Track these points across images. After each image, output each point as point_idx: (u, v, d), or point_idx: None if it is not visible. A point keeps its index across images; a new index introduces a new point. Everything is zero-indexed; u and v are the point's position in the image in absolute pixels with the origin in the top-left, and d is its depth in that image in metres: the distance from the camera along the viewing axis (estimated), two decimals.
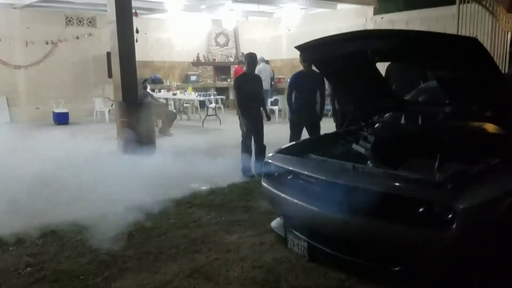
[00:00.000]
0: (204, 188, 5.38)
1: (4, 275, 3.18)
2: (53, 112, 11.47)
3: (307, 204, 3.22)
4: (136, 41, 7.99)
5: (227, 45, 16.09)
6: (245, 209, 4.56)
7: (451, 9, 9.00)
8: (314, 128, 5.83)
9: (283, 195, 3.48)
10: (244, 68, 6.44)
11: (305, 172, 3.36)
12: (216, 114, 11.59)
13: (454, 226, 2.62)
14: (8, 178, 5.22)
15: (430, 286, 2.83)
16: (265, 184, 3.75)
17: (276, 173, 3.68)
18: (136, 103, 7.69)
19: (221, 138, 9.37)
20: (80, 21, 13.00)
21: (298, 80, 5.91)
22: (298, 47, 3.83)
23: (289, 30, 13.97)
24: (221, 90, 15.08)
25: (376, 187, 2.94)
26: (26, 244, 3.70)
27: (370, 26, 11.99)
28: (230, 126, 11.20)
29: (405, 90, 4.41)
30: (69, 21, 12.83)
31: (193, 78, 15.18)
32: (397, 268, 2.89)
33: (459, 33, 8.12)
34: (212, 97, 11.74)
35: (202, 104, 12.19)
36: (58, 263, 3.34)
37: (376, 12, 11.92)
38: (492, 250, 2.65)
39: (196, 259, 3.36)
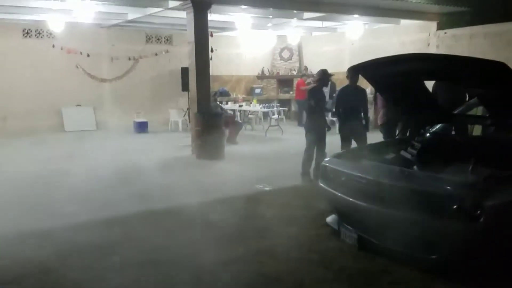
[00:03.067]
0: (267, 189, 6.07)
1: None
2: (134, 122, 12.76)
3: (358, 201, 3.82)
4: (211, 59, 8.94)
5: (290, 59, 16.84)
6: (304, 208, 5.18)
7: None
8: (361, 138, 6.34)
9: (337, 193, 4.09)
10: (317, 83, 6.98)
11: (357, 174, 3.95)
12: (278, 125, 12.30)
13: (481, 220, 3.10)
14: (111, 176, 6.21)
15: (462, 272, 3.30)
16: (322, 185, 4.37)
17: (332, 175, 4.29)
18: (209, 114, 8.60)
19: (282, 146, 10.06)
20: (158, 39, 14.38)
21: (344, 94, 6.50)
22: (353, 67, 4.44)
23: (352, 44, 14.43)
24: (283, 102, 15.85)
25: (418, 186, 3.47)
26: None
27: (433, 41, 12.21)
28: (291, 136, 11.89)
29: (451, 104, 4.85)
30: (149, 39, 14.23)
31: (257, 90, 16.07)
32: (434, 256, 3.40)
33: None
34: (275, 108, 12.48)
35: (266, 115, 13.00)
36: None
37: (439, 27, 12.11)
38: None
39: (261, 242, 4.04)
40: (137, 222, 4.67)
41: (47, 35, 12.48)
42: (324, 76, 6.75)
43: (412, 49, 12.32)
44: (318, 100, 6.61)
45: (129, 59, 13.78)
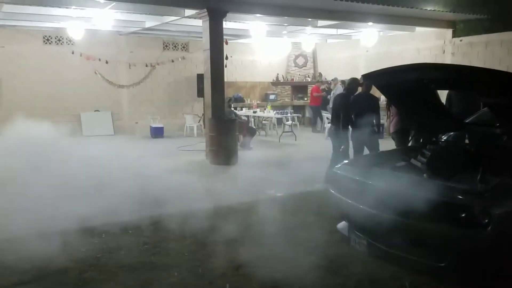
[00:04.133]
0: (279, 194, 6.14)
1: (128, 249, 4.18)
2: (150, 127, 12.97)
3: (368, 208, 3.86)
4: (226, 66, 9.08)
5: (305, 66, 16.94)
6: (315, 214, 5.23)
7: None
8: (373, 145, 6.38)
9: (347, 200, 4.14)
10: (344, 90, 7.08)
11: (367, 181, 4.00)
12: (292, 131, 12.38)
13: (489, 228, 3.13)
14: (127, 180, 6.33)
15: (471, 281, 3.33)
16: (333, 191, 4.43)
17: (342, 182, 4.35)
18: (223, 119, 8.72)
19: (295, 152, 10.13)
20: (175, 46, 14.62)
21: (357, 101, 6.56)
22: (365, 76, 4.50)
23: (367, 51, 14.45)
24: (297, 108, 15.94)
25: (427, 194, 3.51)
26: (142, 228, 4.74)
27: (449, 48, 12.17)
28: (305, 141, 11.97)
29: (465, 113, 4.87)
30: (166, 46, 14.48)
31: (272, 97, 16.19)
32: (442, 264, 3.43)
33: None
34: (288, 115, 12.56)
35: (280, 121, 13.09)
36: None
37: (455, 35, 12.06)
38: None
39: (270, 248, 4.11)
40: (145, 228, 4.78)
41: (66, 42, 12.81)
42: (353, 85, 6.79)
43: (428, 56, 12.32)
44: (346, 107, 6.63)
45: (146, 65, 14.04)
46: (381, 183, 3.83)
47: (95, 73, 13.20)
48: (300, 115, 14.58)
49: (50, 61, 12.55)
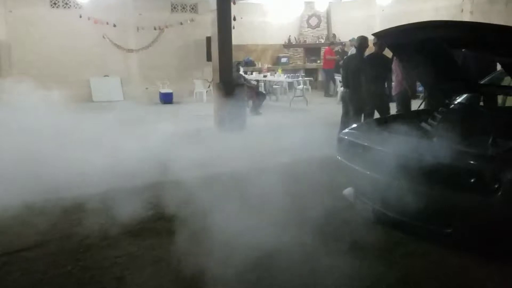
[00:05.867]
0: (285, 160, 6.03)
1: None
2: (160, 92, 12.85)
3: (373, 173, 3.75)
4: (233, 27, 8.81)
5: (318, 27, 16.42)
6: (322, 180, 5.12)
7: None
8: (383, 108, 6.18)
9: (354, 166, 4.03)
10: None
11: (373, 146, 3.87)
12: (303, 95, 12.15)
13: (499, 193, 3.00)
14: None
15: (477, 248, 3.23)
16: (340, 157, 4.30)
17: (349, 147, 4.22)
18: (231, 84, 8.54)
19: (305, 117, 9.97)
20: (183, 8, 14.26)
21: (369, 63, 6.31)
22: (375, 34, 4.27)
23: (383, 10, 13.92)
24: (310, 72, 15.59)
25: (435, 159, 3.37)
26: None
27: (467, 6, 11.62)
28: (316, 106, 11.75)
29: (480, 74, 4.63)
30: (174, 8, 14.13)
31: (283, 60, 15.83)
32: (449, 230, 3.33)
33: None
34: (300, 79, 12.29)
35: (291, 85, 12.83)
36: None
37: None
38: None
39: (274, 215, 4.03)
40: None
41: (74, 5, 12.57)
42: (363, 43, 6.51)
43: (445, 15, 11.78)
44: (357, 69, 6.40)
45: (155, 28, 13.75)
46: (387, 147, 3.69)
47: (103, 37, 13.01)
48: (311, 78, 14.25)
49: (58, 26, 12.35)
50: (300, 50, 16.51)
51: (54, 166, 5.22)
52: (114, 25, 12.93)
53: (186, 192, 4.29)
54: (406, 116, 4.53)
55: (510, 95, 4.17)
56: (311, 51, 16.43)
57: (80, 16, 12.47)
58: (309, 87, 13.37)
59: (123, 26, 13.20)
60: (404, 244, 3.47)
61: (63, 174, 5.09)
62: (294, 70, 14.84)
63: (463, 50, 5.32)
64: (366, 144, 3.95)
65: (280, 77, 12.61)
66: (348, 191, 4.42)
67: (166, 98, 12.60)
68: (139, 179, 5.20)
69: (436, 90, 4.43)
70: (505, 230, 3.08)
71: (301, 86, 12.43)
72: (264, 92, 11.56)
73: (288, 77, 12.29)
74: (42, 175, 4.93)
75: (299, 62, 16.33)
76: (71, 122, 8.02)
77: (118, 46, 13.40)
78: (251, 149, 6.43)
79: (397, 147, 3.64)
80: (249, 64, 15.08)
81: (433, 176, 3.32)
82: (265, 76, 12.95)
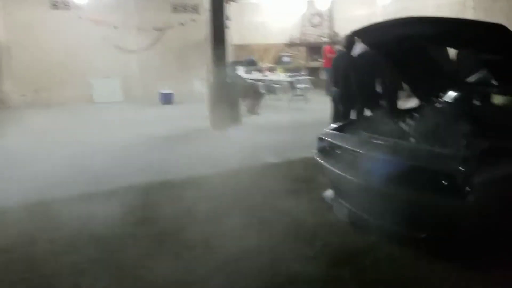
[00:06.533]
0: (274, 161, 5.95)
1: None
2: (160, 93, 12.82)
3: (347, 175, 3.65)
4: (227, 27, 8.73)
5: (321, 25, 16.26)
6: (307, 181, 5.03)
7: None
8: (375, 107, 6.03)
9: (330, 167, 3.92)
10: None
11: (349, 147, 3.76)
12: (302, 94, 12.02)
13: (471, 197, 2.87)
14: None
15: (451, 255, 3.11)
16: (318, 158, 4.20)
17: (327, 148, 4.11)
18: (224, 84, 8.47)
19: (303, 117, 9.84)
20: (184, 8, 14.23)
21: (360, 62, 6.17)
22: (354, 32, 4.16)
23: (384, 8, 13.72)
24: (313, 70, 15.42)
25: (408, 161, 3.26)
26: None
27: (470, 2, 11.39)
28: (316, 106, 11.58)
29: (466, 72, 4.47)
30: (175, 8, 14.11)
31: (285, 59, 15.71)
32: (423, 235, 3.21)
33: None
34: (299, 78, 12.17)
35: (292, 84, 12.68)
36: None
37: None
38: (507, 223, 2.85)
39: (251, 216, 3.97)
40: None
41: (74, 7, 12.61)
42: (351, 40, 6.39)
43: (448, 11, 11.55)
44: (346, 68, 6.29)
45: (155, 29, 13.74)
46: (361, 148, 3.59)
47: (104, 38, 13.02)
48: (311, 77, 14.08)
49: (58, 27, 12.38)
50: (303, 49, 16.36)
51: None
52: (115, 27, 12.95)
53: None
54: (387, 115, 4.40)
55: (496, 94, 4.00)
56: (314, 49, 16.26)
57: (80, 17, 12.52)
58: (310, 86, 13.21)
59: (124, 27, 13.21)
60: (376, 248, 3.37)
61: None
62: (297, 69, 14.69)
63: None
64: (340, 144, 3.85)
65: (279, 76, 12.49)
66: (328, 193, 4.32)
67: (166, 99, 12.57)
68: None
69: (419, 89, 4.30)
70: (477, 236, 2.96)
71: (301, 85, 12.29)
72: (262, 91, 11.41)
73: (287, 76, 12.15)
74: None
75: (301, 61, 16.18)
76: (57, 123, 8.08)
77: (119, 47, 13.41)
78: (240, 149, 6.36)
79: (371, 148, 3.54)
80: (251, 63, 14.94)
81: (405, 178, 3.21)
82: (265, 76, 12.83)
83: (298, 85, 12.30)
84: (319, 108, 11.25)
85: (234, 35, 15.70)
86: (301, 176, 5.26)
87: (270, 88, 13.37)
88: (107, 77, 13.30)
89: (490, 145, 3.12)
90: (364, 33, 3.95)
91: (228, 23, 8.87)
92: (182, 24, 14.03)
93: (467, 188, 2.91)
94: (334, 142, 3.97)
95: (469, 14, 11.11)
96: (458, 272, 2.99)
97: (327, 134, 4.19)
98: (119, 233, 3.72)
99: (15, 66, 12.08)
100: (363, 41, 4.18)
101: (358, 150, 3.65)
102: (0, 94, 11.61)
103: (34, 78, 12.14)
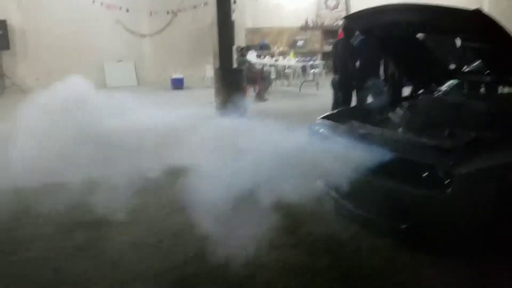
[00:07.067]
0: (271, 149, 5.89)
1: None
2: (171, 77, 12.87)
3: (333, 164, 3.61)
4: (233, 11, 8.65)
5: (337, 8, 15.95)
6: (304, 170, 4.98)
7: None
8: (377, 94, 5.93)
9: (320, 155, 3.89)
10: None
11: (336, 136, 3.72)
12: (313, 79, 11.89)
13: (450, 189, 2.82)
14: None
15: (431, 247, 3.07)
16: (309, 146, 4.16)
17: (317, 136, 4.08)
18: (230, 69, 8.42)
19: (312, 103, 9.72)
20: None
21: (359, 46, 6.03)
22: (346, 17, 4.08)
23: None
24: (328, 55, 15.18)
25: (392, 151, 3.20)
26: None
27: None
28: (326, 91, 11.41)
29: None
30: None
31: (299, 43, 15.49)
32: (404, 226, 3.17)
33: None
34: (310, 63, 12.02)
35: (304, 69, 12.55)
36: None
37: None
38: (487, 215, 2.80)
39: (238, 203, 3.97)
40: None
41: None
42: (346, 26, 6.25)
43: (465, 1, 11.19)
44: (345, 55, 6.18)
45: (168, 13, 13.72)
46: (347, 138, 3.55)
47: (117, 22, 13.09)
48: (323, 62, 13.87)
49: (71, 11, 12.46)
50: (318, 32, 16.10)
51: None
52: (127, 10, 12.98)
53: None
54: (384, 104, 4.32)
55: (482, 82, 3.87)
56: (329, 33, 15.95)
57: (93, 1, 12.58)
58: (323, 71, 13.04)
59: (136, 11, 13.22)
60: (358, 238, 3.35)
61: None
62: (311, 54, 14.49)
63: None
64: (328, 133, 3.81)
65: (290, 61, 12.36)
66: (319, 182, 4.29)
67: (177, 84, 12.60)
68: None
69: (413, 77, 4.20)
70: (457, 229, 2.91)
71: (313, 70, 12.15)
72: (272, 77, 11.32)
73: (298, 61, 12.01)
74: None
75: (316, 45, 15.95)
76: None
77: (131, 31, 13.47)
78: (239, 137, 6.31)
79: (356, 137, 3.49)
80: (264, 47, 14.82)
81: (387, 168, 3.16)
82: (276, 60, 12.72)
83: (311, 70, 12.16)
84: (329, 94, 11.11)
85: (248, 18, 15.61)
86: (298, 164, 5.21)
87: (281, 73, 13.27)
88: (120, 61, 13.40)
89: (477, 137, 3.05)
90: (355, 19, 3.86)
91: (237, 6, 8.78)
92: (194, 7, 13.95)
93: (448, 180, 2.86)
94: (322, 129, 3.93)
95: (485, 4, 10.73)
96: (438, 264, 2.95)
97: (318, 122, 4.14)
98: None
99: (29, 50, 12.27)
100: (355, 27, 4.08)
101: (342, 139, 3.61)
102: (15, 77, 11.79)
103: (48, 61, 12.30)
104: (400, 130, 3.63)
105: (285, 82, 13.07)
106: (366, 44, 6.01)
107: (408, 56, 4.01)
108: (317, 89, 11.59)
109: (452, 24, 2.99)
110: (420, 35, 5.37)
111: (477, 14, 2.67)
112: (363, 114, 4.12)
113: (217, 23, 8.29)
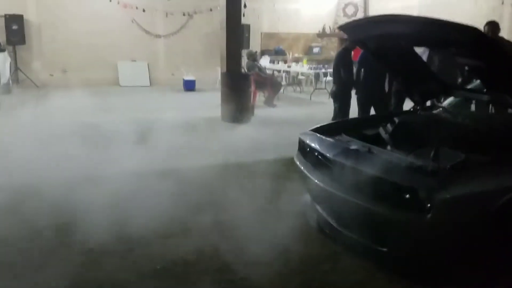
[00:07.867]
0: (269, 157, 5.76)
1: None
2: (183, 79, 12.85)
3: (316, 180, 3.47)
4: (243, 15, 8.56)
5: (355, 16, 15.74)
6: (294, 182, 4.82)
7: None
8: (380, 107, 5.75)
9: (304, 170, 3.75)
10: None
11: (320, 150, 3.57)
12: (325, 87, 11.70)
13: (429, 215, 2.64)
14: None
15: (409, 272, 2.89)
16: (295, 159, 4.02)
17: (303, 149, 3.93)
18: (236, 74, 8.33)
19: (321, 112, 9.52)
20: None
21: (368, 58, 5.84)
22: (340, 27, 3.93)
23: (422, 1, 13.09)
24: None
25: (373, 170, 3.04)
26: None
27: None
28: None
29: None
30: None
31: (315, 50, 15.34)
32: (384, 249, 3.01)
33: None
34: (322, 70, 11.85)
35: (318, 76, 12.38)
36: None
37: None
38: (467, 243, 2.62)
39: (218, 216, 3.87)
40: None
41: None
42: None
43: (484, 7, 10.88)
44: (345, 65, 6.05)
45: (184, 14, 13.74)
46: (330, 153, 3.39)
47: (132, 21, 13.17)
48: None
49: (87, 9, 12.59)
50: (335, 40, 15.91)
51: None
52: (143, 10, 13.05)
53: None
54: (376, 118, 4.15)
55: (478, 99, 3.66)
56: (346, 41, 15.76)
57: (110, 0, 12.67)
58: None
59: (152, 11, 13.28)
60: (336, 258, 3.20)
61: None
62: (326, 61, 14.29)
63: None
64: (312, 146, 3.66)
65: (302, 67, 12.20)
66: (304, 197, 4.14)
67: (189, 85, 12.57)
68: None
69: (410, 91, 4.01)
70: (435, 255, 2.73)
71: (325, 78, 11.96)
72: (280, 83, 11.16)
73: (311, 68, 11.85)
74: None
75: (332, 53, 15.71)
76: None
77: (146, 31, 13.53)
78: (238, 144, 6.23)
79: (339, 153, 3.33)
80: (279, 53, 14.71)
81: (369, 189, 3.00)
82: (289, 67, 12.58)
83: (323, 78, 11.97)
84: None
85: (264, 23, 15.51)
86: (292, 176, 5.06)
87: (294, 80, 13.11)
88: (134, 61, 13.46)
89: (465, 159, 2.86)
90: (349, 29, 3.70)
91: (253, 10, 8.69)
92: (210, 9, 13.92)
93: (428, 204, 2.68)
94: (309, 143, 3.78)
95: (508, 10, 10.40)
96: None
97: (306, 135, 4.00)
98: None
99: (44, 46, 12.42)
100: (349, 37, 3.92)
101: (326, 154, 3.45)
102: (29, 72, 11.95)
103: (62, 58, 12.45)
104: (388, 147, 3.46)
105: (298, 88, 12.91)
106: (367, 56, 5.85)
107: (404, 69, 3.83)
108: (329, 98, 11.38)
109: (445, 38, 2.82)
110: (423, 50, 5.21)
111: (472, 30, 2.50)
112: (355, 128, 3.96)
113: (225, 26, 8.23)
